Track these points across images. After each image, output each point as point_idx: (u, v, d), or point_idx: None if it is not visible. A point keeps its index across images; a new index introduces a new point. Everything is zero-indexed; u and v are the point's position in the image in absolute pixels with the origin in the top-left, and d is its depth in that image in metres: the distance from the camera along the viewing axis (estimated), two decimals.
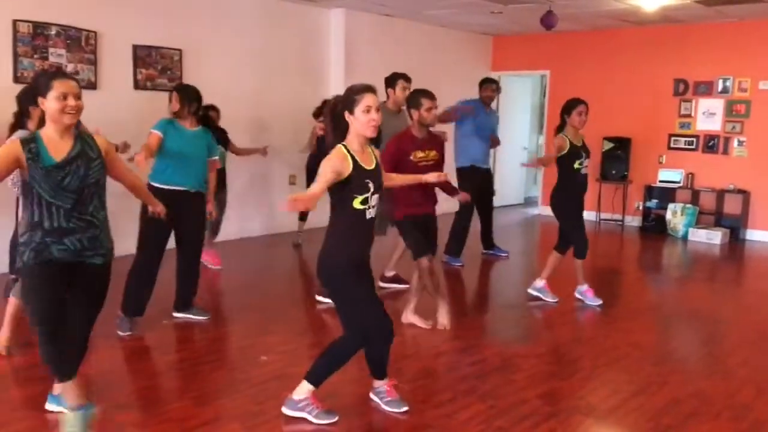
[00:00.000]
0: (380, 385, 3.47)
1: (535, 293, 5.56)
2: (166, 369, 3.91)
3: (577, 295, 5.51)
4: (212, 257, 6.26)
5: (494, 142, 7.10)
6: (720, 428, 3.33)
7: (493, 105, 7.24)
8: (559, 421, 3.34)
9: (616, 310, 5.60)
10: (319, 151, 7.02)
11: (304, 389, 3.26)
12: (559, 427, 3.28)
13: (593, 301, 5.42)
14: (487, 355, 4.27)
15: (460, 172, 6.84)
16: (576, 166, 5.22)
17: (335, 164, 2.97)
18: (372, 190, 3.05)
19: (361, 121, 3.02)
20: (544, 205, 9.65)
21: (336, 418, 3.25)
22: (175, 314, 4.73)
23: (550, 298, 5.49)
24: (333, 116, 3.11)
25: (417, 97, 4.52)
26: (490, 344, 4.57)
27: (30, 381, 3.62)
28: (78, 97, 2.93)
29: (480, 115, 6.84)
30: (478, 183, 6.78)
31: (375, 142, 5.00)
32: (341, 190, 3.01)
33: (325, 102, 7.51)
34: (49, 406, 3.25)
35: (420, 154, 4.49)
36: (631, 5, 7.65)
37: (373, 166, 3.12)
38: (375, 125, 3.03)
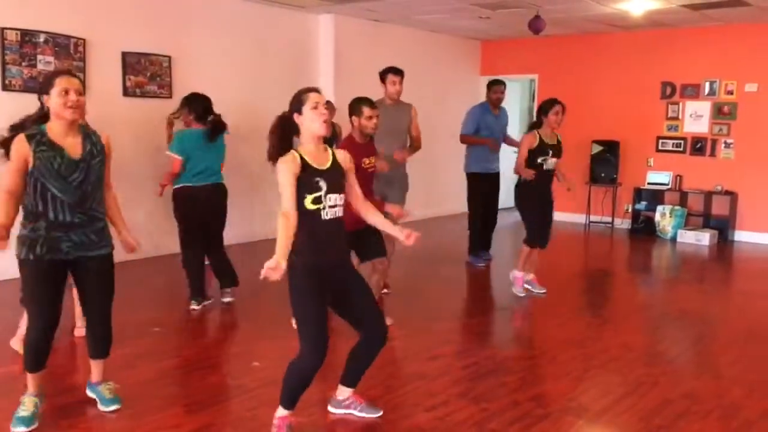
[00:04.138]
0: (348, 395, 3.40)
1: (526, 286, 5.82)
2: (157, 376, 3.90)
3: (511, 277, 5.81)
4: None
5: (508, 142, 7.21)
6: (710, 428, 3.35)
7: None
8: (551, 423, 3.35)
9: (607, 312, 5.64)
10: None
11: (280, 410, 3.12)
12: (551, 429, 3.29)
13: (519, 291, 5.70)
14: (480, 358, 4.29)
15: (469, 177, 6.99)
16: (539, 161, 5.45)
17: (289, 167, 2.89)
18: (325, 189, 2.95)
19: (311, 117, 2.95)
20: None
21: None
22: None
23: (537, 290, 5.80)
24: (280, 125, 3.02)
25: (358, 105, 4.43)
26: (482, 347, 4.59)
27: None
28: (79, 93, 3.02)
29: (488, 118, 6.93)
30: (486, 189, 6.98)
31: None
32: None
33: None
34: (88, 391, 3.50)
35: (367, 161, 4.43)
36: (618, 10, 7.71)
37: (327, 166, 3.01)
38: (325, 119, 2.96)
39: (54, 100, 2.97)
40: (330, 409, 3.45)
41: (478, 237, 7.07)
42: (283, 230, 2.80)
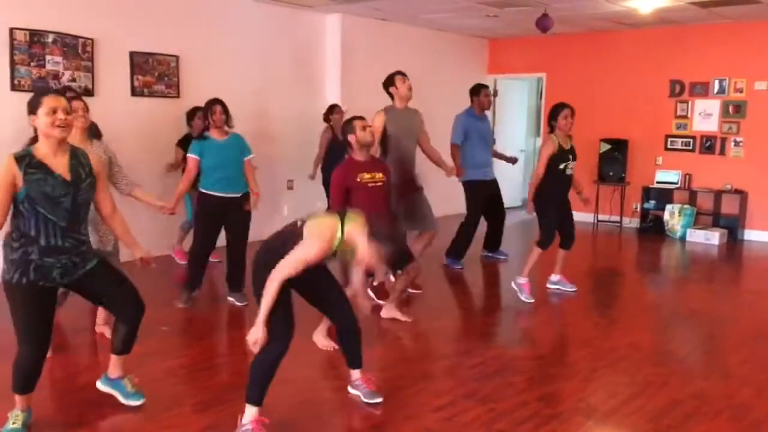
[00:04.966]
0: (357, 375, 3.54)
1: (553, 287, 5.90)
2: (164, 376, 3.90)
3: (549, 285, 5.86)
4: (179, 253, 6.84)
5: (495, 154, 7.19)
6: (720, 428, 3.33)
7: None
8: (560, 423, 3.33)
9: (616, 312, 5.61)
10: (329, 158, 7.02)
11: (248, 413, 3.08)
12: (559, 429, 3.28)
13: (527, 297, 5.56)
14: (487, 357, 4.27)
15: (466, 185, 6.86)
16: (561, 167, 5.45)
17: (324, 238, 3.01)
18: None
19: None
20: None
21: None
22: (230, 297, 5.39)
23: (569, 288, 5.86)
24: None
25: (348, 124, 4.38)
26: (489, 347, 4.57)
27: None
28: (67, 111, 2.95)
29: (478, 123, 6.84)
30: (487, 194, 6.87)
31: (383, 148, 5.03)
32: None
33: (331, 106, 7.52)
34: (100, 385, 3.50)
35: (366, 176, 4.34)
36: (626, 7, 7.67)
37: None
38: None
39: (42, 119, 2.91)
40: (349, 389, 3.60)
41: (470, 241, 6.93)
42: (275, 295, 2.93)
